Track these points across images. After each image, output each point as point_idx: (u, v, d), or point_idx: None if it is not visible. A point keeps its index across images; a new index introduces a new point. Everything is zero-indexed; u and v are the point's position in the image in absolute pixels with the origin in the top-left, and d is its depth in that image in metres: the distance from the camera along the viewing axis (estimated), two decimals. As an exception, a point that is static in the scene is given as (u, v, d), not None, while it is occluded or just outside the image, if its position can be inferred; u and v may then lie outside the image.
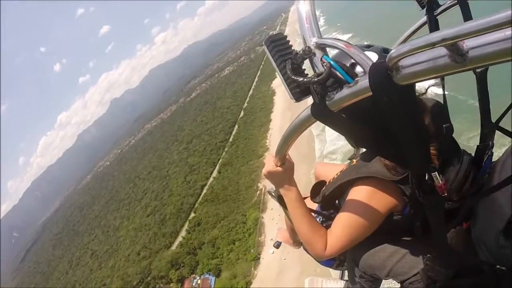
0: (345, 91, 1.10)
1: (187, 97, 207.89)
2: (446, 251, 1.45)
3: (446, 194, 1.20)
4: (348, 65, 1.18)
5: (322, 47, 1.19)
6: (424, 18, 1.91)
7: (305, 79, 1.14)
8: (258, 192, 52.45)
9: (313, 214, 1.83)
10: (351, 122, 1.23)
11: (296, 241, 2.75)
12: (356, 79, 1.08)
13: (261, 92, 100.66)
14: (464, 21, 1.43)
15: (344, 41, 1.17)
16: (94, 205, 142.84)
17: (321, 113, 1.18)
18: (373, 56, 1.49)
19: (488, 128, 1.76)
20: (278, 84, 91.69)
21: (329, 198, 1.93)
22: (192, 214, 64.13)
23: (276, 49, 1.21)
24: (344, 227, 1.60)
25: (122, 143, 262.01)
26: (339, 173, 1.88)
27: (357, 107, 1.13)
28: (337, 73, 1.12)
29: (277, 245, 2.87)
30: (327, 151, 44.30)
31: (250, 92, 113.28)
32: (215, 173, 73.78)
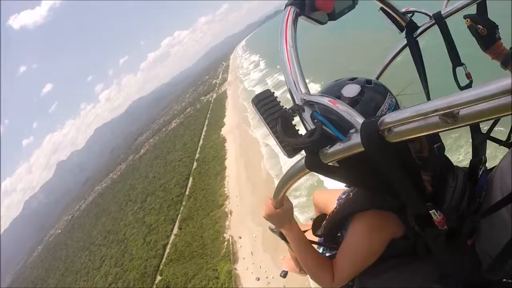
0: (337, 147, 1.12)
1: (136, 154, 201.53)
2: (451, 271, 1.48)
3: (445, 227, 1.23)
4: (334, 118, 1.18)
5: (310, 104, 1.21)
6: (404, 41, 2.02)
7: (298, 140, 1.15)
8: (226, 243, 49.49)
9: (316, 245, 1.99)
10: (346, 171, 1.26)
11: (303, 269, 2.40)
12: (348, 135, 1.10)
13: (212, 141, 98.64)
14: (444, 40, 1.84)
15: (331, 97, 1.18)
16: (49, 279, 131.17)
17: (314, 165, 1.22)
18: (357, 89, 1.54)
19: (479, 139, 1.81)
20: (227, 131, 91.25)
21: (330, 231, 1.96)
22: (158, 277, 59.26)
23: (265, 108, 1.21)
24: (348, 258, 1.67)
25: (73, 208, 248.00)
26: (337, 207, 1.93)
27: (352, 158, 1.14)
28: (328, 130, 1.13)
29: (284, 274, 2.64)
30: (289, 189, 42.83)
31: (201, 142, 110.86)
32: (176, 230, 69.50)
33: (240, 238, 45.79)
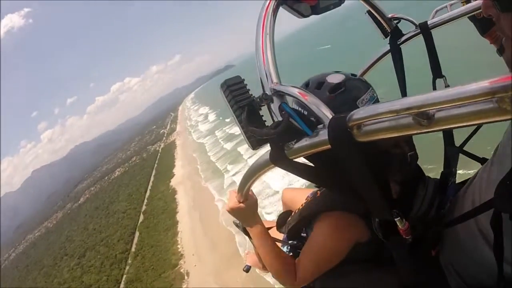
0: (304, 142, 1.05)
1: (75, 202, 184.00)
2: (414, 281, 1.41)
3: (409, 237, 1.17)
4: (305, 113, 1.09)
5: (280, 94, 1.12)
6: (387, 47, 1.99)
7: (262, 131, 1.08)
8: (185, 310, 41.04)
9: (280, 243, 1.97)
10: (312, 168, 1.18)
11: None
12: (316, 130, 1.02)
13: (160, 192, 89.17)
14: (427, 50, 1.82)
15: (302, 89, 1.11)
16: None
17: (279, 160, 1.15)
18: (342, 77, 1.51)
19: (452, 152, 1.82)
20: (178, 183, 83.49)
21: (295, 229, 1.90)
22: None
23: (233, 94, 1.15)
24: (311, 258, 1.63)
25: (1, 257, 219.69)
26: (303, 204, 1.86)
27: (318, 155, 1.06)
28: (296, 123, 1.05)
29: (247, 269, 2.59)
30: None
31: (148, 193, 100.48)
32: (121, 294, 59.07)
33: (203, 305, 37.64)
